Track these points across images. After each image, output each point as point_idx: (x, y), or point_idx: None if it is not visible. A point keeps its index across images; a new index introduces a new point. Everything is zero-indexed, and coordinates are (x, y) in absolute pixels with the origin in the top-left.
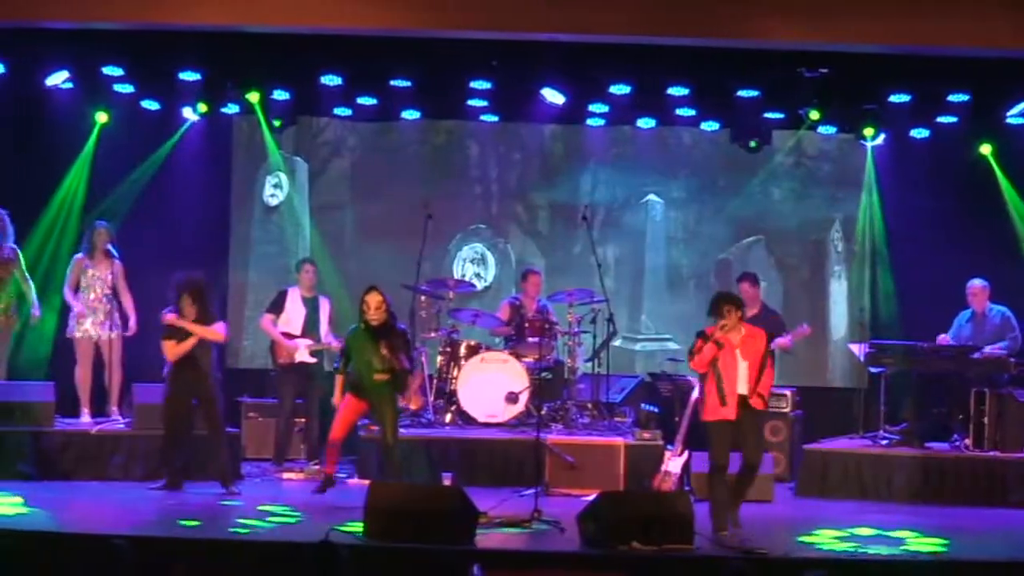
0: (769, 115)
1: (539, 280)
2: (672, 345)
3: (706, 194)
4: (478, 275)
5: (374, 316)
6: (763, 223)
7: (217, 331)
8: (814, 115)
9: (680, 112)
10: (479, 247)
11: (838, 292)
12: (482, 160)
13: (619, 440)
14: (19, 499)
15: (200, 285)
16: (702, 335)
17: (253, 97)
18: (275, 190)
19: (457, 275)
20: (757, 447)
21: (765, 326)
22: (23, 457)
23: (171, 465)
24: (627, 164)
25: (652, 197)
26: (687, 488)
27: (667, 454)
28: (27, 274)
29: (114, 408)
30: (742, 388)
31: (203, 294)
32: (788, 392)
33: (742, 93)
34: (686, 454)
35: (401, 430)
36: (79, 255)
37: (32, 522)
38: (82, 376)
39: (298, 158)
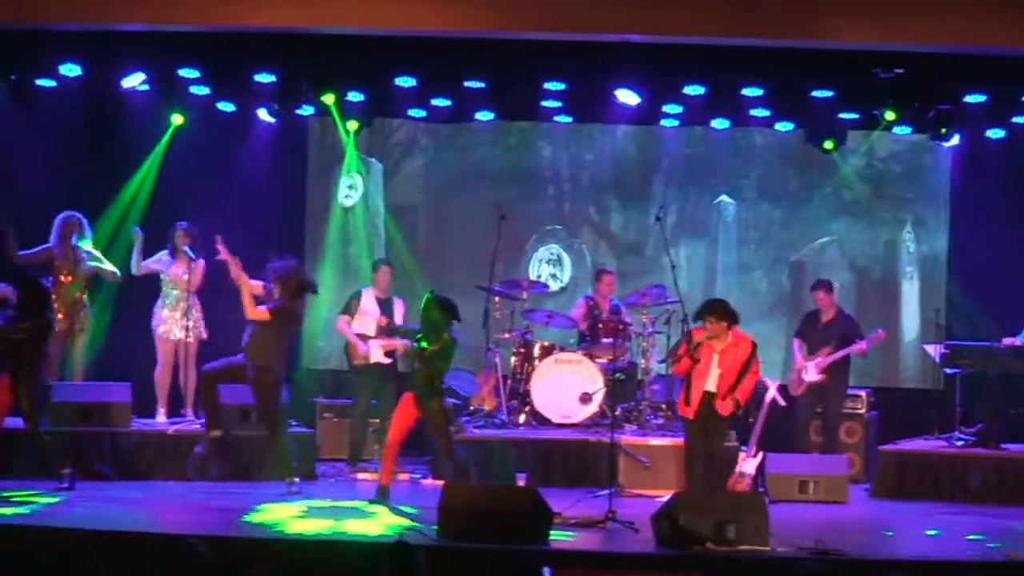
0: (844, 116)
1: (612, 280)
2: None
3: (777, 195)
4: (554, 276)
5: None
6: (835, 224)
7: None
8: (889, 116)
9: (754, 113)
10: (555, 248)
11: (909, 293)
12: (554, 161)
13: None
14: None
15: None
16: (688, 338)
17: (328, 99)
18: (350, 191)
19: (533, 276)
20: (712, 441)
21: (842, 331)
22: (100, 457)
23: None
24: (699, 165)
25: (724, 198)
26: (761, 489)
27: (741, 455)
28: (102, 257)
29: (188, 408)
30: (711, 387)
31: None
32: (863, 393)
33: (816, 94)
34: (760, 455)
35: (475, 431)
36: (163, 252)
37: (109, 522)
38: (161, 376)
39: (373, 159)
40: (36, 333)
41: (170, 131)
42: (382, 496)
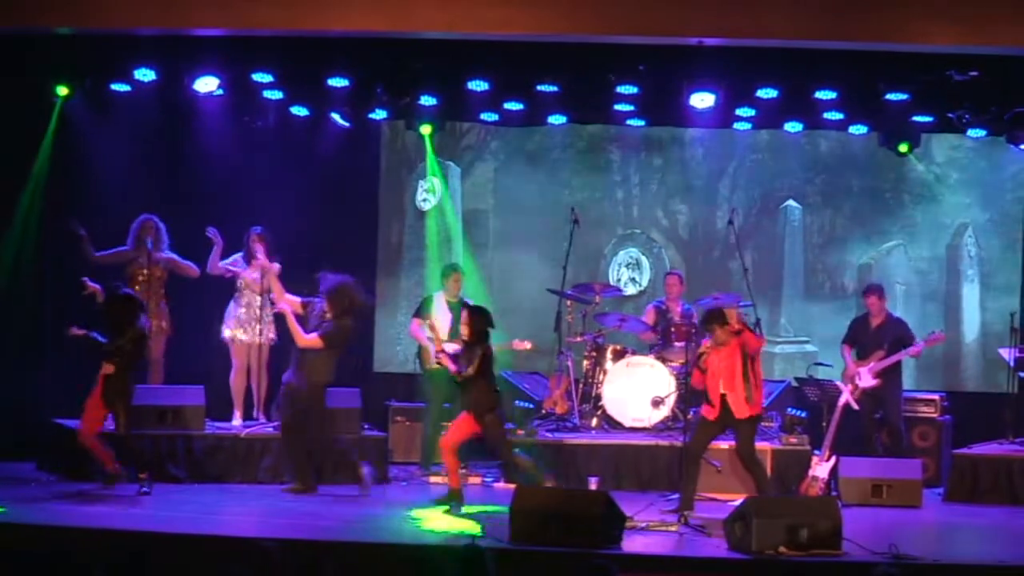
0: (918, 119)
1: (676, 281)
2: (809, 347)
3: (841, 199)
4: (633, 280)
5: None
6: (897, 228)
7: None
8: (964, 118)
9: (828, 116)
10: (634, 252)
11: (970, 296)
12: (623, 165)
13: (766, 445)
14: None
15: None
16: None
17: (426, 130)
18: (427, 195)
19: (613, 279)
20: (746, 444)
21: (894, 334)
22: (174, 460)
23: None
24: (764, 170)
25: (791, 202)
26: (834, 493)
27: (814, 459)
28: (177, 259)
29: (259, 412)
30: (724, 390)
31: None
32: (936, 397)
33: (891, 96)
34: (833, 459)
35: (547, 434)
36: (237, 256)
37: (183, 525)
38: (236, 380)
39: (451, 163)
40: (132, 345)
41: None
42: (453, 498)
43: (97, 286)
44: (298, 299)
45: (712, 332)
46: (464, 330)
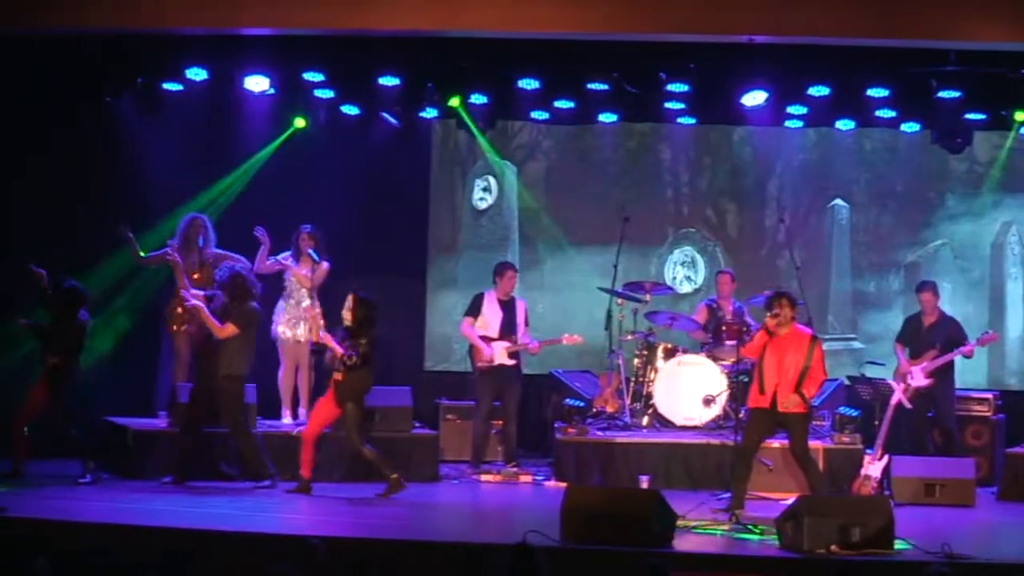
0: (971, 116)
1: (728, 280)
2: (856, 344)
3: (886, 197)
4: (688, 278)
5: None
6: (943, 226)
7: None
8: (1020, 116)
9: (879, 113)
10: (689, 250)
11: (1014, 294)
12: (673, 164)
13: (818, 444)
14: None
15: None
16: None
17: (454, 102)
18: (484, 194)
19: (668, 278)
20: (800, 441)
21: (947, 334)
22: (226, 458)
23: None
24: (812, 169)
25: (838, 201)
26: (887, 492)
27: (867, 458)
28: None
29: (304, 410)
30: (779, 379)
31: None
32: (989, 396)
33: (943, 94)
34: (886, 458)
35: (598, 433)
36: (286, 254)
37: (233, 523)
38: (284, 379)
39: (508, 162)
40: (75, 338)
41: (287, 134)
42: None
43: (42, 271)
44: (201, 293)
45: (780, 307)
46: (346, 315)
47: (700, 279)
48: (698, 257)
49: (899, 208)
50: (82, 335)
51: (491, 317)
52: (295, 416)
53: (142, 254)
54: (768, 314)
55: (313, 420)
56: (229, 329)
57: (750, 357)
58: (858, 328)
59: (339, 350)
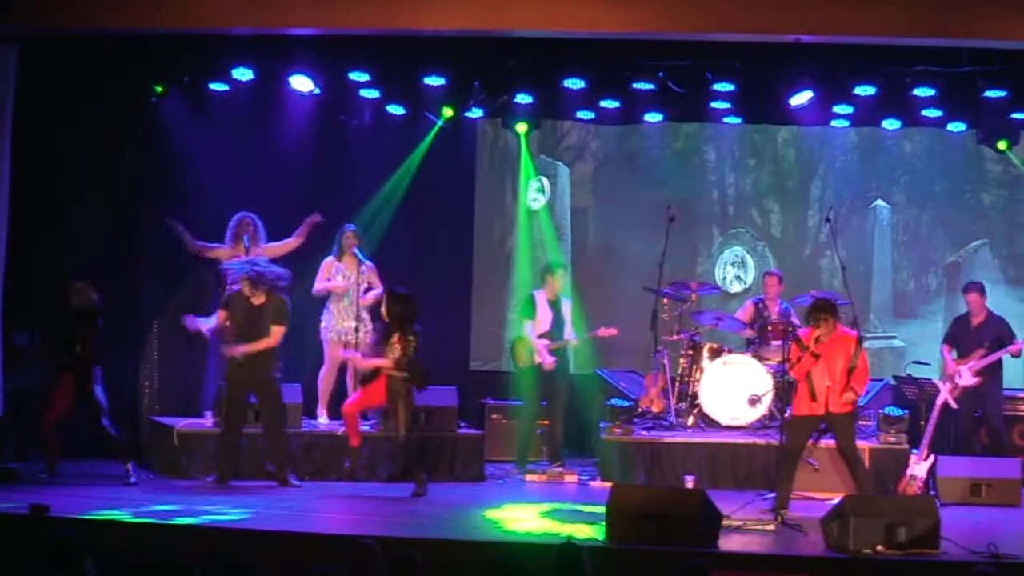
0: (1017, 115)
1: (775, 281)
2: (897, 343)
3: (925, 198)
4: (738, 278)
5: None
6: (980, 227)
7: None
8: None
9: (926, 113)
10: (739, 250)
11: None
12: (719, 165)
13: (864, 443)
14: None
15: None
16: (797, 340)
17: (521, 128)
18: (537, 194)
19: (719, 277)
20: (847, 439)
21: (995, 333)
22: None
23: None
24: (853, 169)
25: (880, 202)
26: (932, 492)
27: (912, 458)
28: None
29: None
30: (829, 382)
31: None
32: None
33: (990, 94)
34: (932, 458)
35: (644, 432)
36: (329, 258)
37: (278, 523)
38: (326, 378)
39: (560, 163)
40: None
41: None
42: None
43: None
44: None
45: (824, 322)
46: (383, 312)
47: (750, 279)
48: (747, 257)
49: (937, 208)
50: (98, 333)
51: (543, 317)
52: (335, 417)
53: (195, 242)
54: (815, 330)
55: (359, 399)
56: (278, 332)
57: (798, 378)
58: (899, 327)
59: (387, 363)
